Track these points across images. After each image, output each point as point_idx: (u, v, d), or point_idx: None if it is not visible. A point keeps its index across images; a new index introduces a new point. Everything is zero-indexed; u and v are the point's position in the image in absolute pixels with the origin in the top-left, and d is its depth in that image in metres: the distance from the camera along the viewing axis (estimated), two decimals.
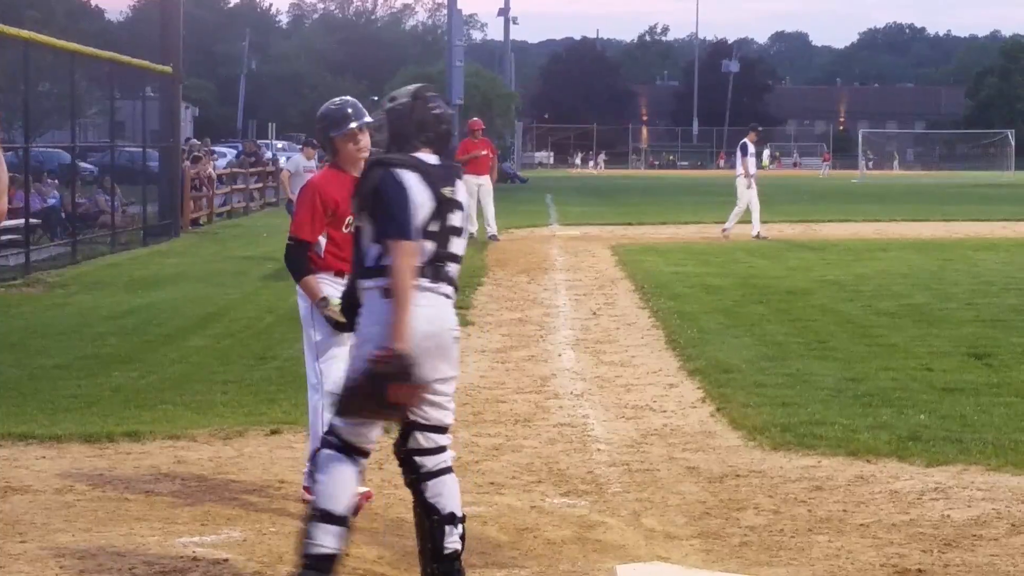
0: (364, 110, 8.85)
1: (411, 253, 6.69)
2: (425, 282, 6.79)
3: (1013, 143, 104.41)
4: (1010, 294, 20.89)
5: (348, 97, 9.06)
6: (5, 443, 10.92)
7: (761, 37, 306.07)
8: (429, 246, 6.83)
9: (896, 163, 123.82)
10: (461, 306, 18.79)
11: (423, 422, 6.88)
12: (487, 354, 15.54)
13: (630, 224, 39.17)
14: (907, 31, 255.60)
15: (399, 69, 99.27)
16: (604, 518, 8.88)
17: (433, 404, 6.88)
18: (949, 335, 16.49)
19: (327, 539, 6.78)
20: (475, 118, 35.43)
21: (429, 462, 6.91)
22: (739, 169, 33.75)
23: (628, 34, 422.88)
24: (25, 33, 26.34)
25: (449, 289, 6.92)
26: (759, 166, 33.82)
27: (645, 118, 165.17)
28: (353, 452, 6.89)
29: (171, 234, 35.02)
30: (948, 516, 8.81)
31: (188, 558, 7.87)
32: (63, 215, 30.88)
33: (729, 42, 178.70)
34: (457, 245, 6.96)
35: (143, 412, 12.11)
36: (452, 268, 6.95)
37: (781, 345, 15.87)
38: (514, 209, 43.28)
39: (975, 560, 7.89)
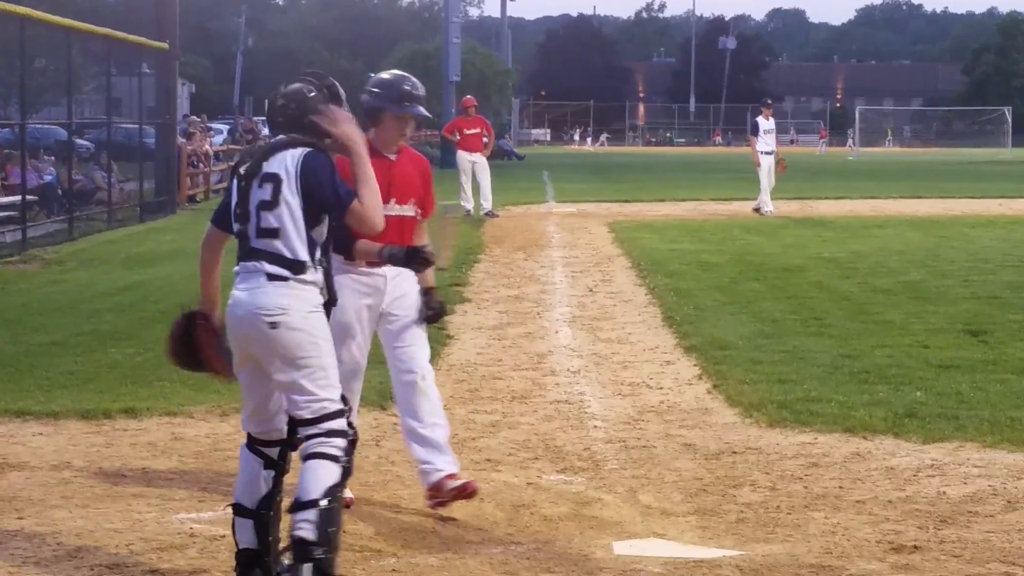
0: None
1: (206, 234, 7.06)
2: (240, 265, 6.84)
3: (1010, 120, 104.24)
4: (1006, 271, 20.90)
5: (413, 78, 8.36)
6: (2, 420, 10.94)
7: (758, 14, 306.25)
8: (236, 227, 6.85)
9: (889, 140, 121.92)
10: (457, 283, 18.91)
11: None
12: (484, 331, 15.55)
13: (627, 201, 39.14)
14: (904, 8, 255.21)
15: (396, 46, 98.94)
16: (601, 495, 8.89)
17: (278, 389, 6.80)
18: (945, 312, 16.50)
19: (240, 533, 6.84)
20: (468, 96, 35.40)
21: (303, 442, 6.77)
22: (758, 146, 33.59)
23: (625, 11, 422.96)
24: (21, 9, 26.28)
25: (267, 265, 6.69)
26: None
27: (642, 95, 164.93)
28: (256, 444, 6.90)
29: (167, 211, 34.98)
30: (944, 493, 8.83)
31: (185, 534, 7.88)
32: (59, 192, 30.82)
33: (726, 19, 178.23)
34: (268, 219, 6.71)
35: (140, 389, 12.12)
36: (264, 243, 6.72)
37: (777, 322, 15.88)
38: (511, 186, 43.24)
39: (971, 537, 7.91)
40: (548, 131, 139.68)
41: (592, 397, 12.04)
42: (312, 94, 6.90)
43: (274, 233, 6.70)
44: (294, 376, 6.66)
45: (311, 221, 6.73)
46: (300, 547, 6.53)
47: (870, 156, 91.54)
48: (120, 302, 18.05)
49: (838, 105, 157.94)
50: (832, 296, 18.22)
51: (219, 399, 11.48)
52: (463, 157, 32.13)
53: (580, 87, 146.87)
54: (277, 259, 6.68)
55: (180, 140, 38.83)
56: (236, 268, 6.84)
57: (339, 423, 6.72)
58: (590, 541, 7.92)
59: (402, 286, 8.28)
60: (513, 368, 13.42)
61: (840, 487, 9.05)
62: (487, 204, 32.42)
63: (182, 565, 7.34)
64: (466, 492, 8.18)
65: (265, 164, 6.79)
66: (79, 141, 34.43)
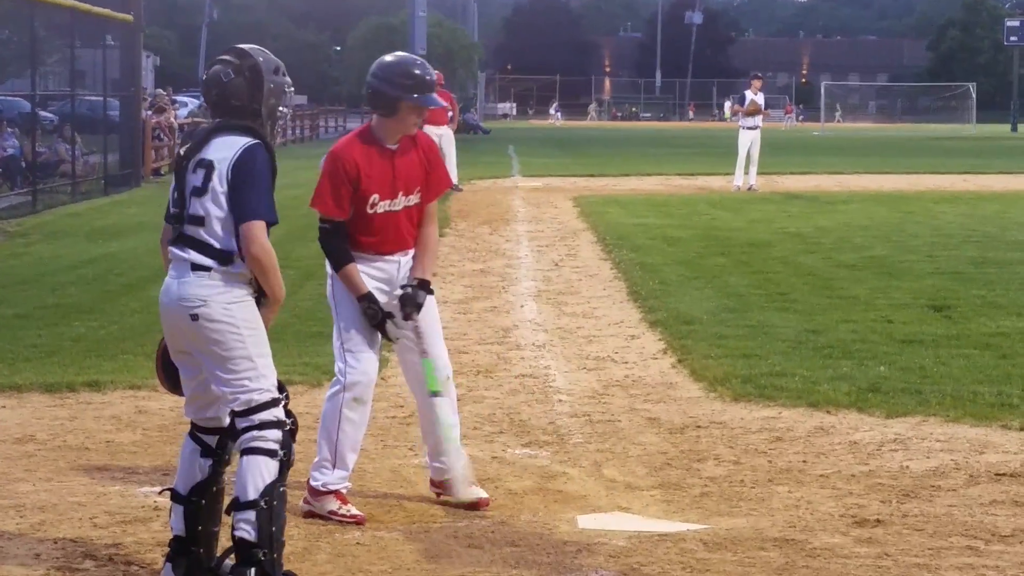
0: None
1: (162, 232, 6.70)
2: (171, 250, 6.59)
3: (974, 96, 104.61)
4: (970, 247, 20.98)
5: (425, 62, 7.99)
6: None
7: None
8: (173, 209, 6.60)
9: (838, 116, 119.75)
10: None
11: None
12: (449, 305, 15.54)
13: (592, 176, 39.14)
14: None
15: (361, 19, 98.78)
16: (565, 468, 8.91)
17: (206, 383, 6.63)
18: (909, 287, 16.56)
19: (173, 520, 6.70)
20: (435, 71, 35.27)
21: (239, 438, 6.57)
22: (740, 121, 33.63)
23: None
24: None
25: (192, 254, 6.45)
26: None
27: (608, 69, 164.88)
28: (197, 430, 6.75)
29: (132, 184, 34.83)
30: (907, 467, 8.87)
31: (149, 508, 7.87)
32: (23, 164, 30.68)
33: None
34: (196, 206, 6.46)
35: (104, 362, 12.08)
36: (192, 230, 6.47)
37: (742, 297, 15.92)
38: (476, 160, 43.23)
39: (933, 510, 7.95)
40: (514, 105, 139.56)
41: (557, 371, 12.05)
42: (230, 79, 6.57)
43: (200, 221, 6.45)
44: (218, 368, 6.46)
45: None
46: (241, 548, 6.40)
47: (835, 131, 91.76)
48: (84, 275, 17.99)
49: (804, 81, 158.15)
50: (797, 271, 18.26)
51: None
52: (429, 131, 31.77)
53: (546, 61, 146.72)
54: (203, 247, 6.44)
55: (147, 113, 38.63)
56: (172, 249, 6.59)
57: (271, 413, 6.48)
58: (555, 515, 7.94)
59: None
60: (478, 342, 13.42)
61: (804, 461, 9.08)
62: (452, 178, 32.35)
63: (146, 538, 7.33)
64: (478, 507, 8.09)
65: (203, 149, 6.54)
66: (43, 113, 34.27)
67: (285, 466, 6.49)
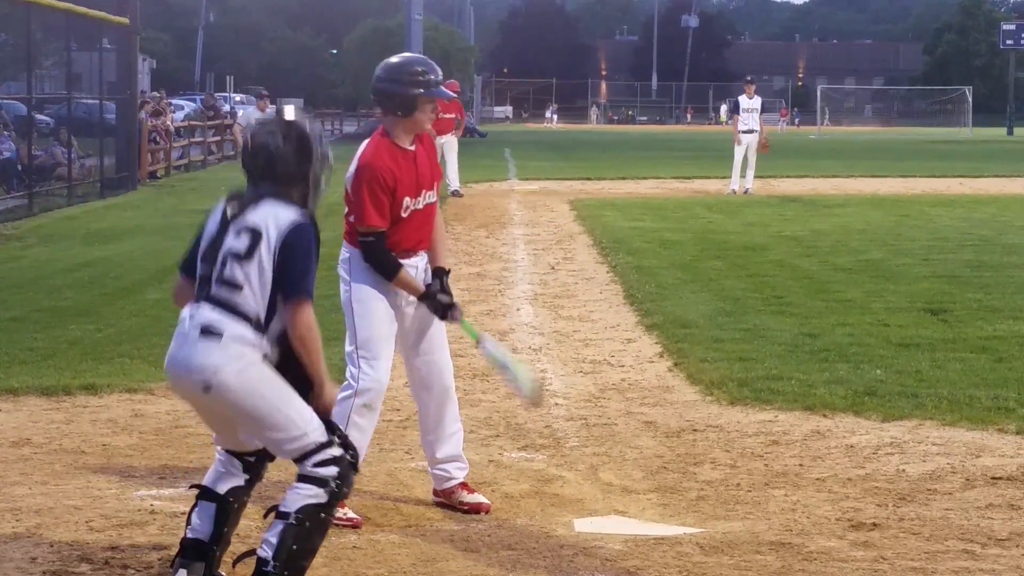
0: None
1: (176, 286, 6.63)
2: (190, 308, 6.39)
3: (970, 100, 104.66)
4: (966, 250, 20.99)
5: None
6: None
7: None
8: (201, 266, 6.44)
9: (826, 119, 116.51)
10: None
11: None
12: None
13: (588, 179, 39.16)
14: None
15: (358, 22, 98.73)
16: (562, 472, 8.90)
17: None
18: (905, 291, 16.56)
19: (196, 520, 6.57)
20: (452, 80, 35.39)
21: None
22: (739, 125, 33.58)
23: None
24: None
25: (214, 316, 6.24)
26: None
27: (604, 73, 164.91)
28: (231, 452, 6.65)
29: (128, 187, 34.83)
30: (903, 470, 8.88)
31: (146, 511, 7.87)
32: (19, 167, 30.67)
33: None
34: (235, 270, 6.29)
35: (100, 365, 12.08)
36: (223, 293, 6.28)
37: (738, 300, 15.92)
38: (473, 163, 43.20)
39: (929, 514, 7.95)
40: (511, 108, 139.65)
41: (553, 375, 12.05)
42: (279, 146, 6.42)
43: (238, 287, 6.27)
44: (251, 430, 6.35)
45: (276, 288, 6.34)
46: (259, 560, 6.30)
47: (831, 135, 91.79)
48: (80, 278, 17.98)
49: (800, 84, 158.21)
50: (793, 274, 18.27)
51: None
52: (437, 140, 31.64)
53: (542, 65, 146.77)
54: (236, 313, 6.25)
55: (142, 116, 38.62)
56: (185, 311, 6.37)
57: (325, 454, 6.32)
58: (551, 518, 7.94)
59: (427, 281, 8.01)
60: (474, 346, 13.36)
61: (800, 465, 9.08)
62: (453, 184, 32.34)
63: (142, 542, 7.32)
64: (479, 511, 8.10)
65: (250, 213, 6.36)
66: (39, 116, 34.23)
67: (335, 496, 6.35)
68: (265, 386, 6.24)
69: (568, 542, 7.47)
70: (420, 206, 7.81)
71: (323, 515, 6.32)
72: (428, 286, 7.86)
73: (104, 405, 10.70)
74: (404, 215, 7.72)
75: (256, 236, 6.30)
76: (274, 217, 6.32)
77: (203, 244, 6.47)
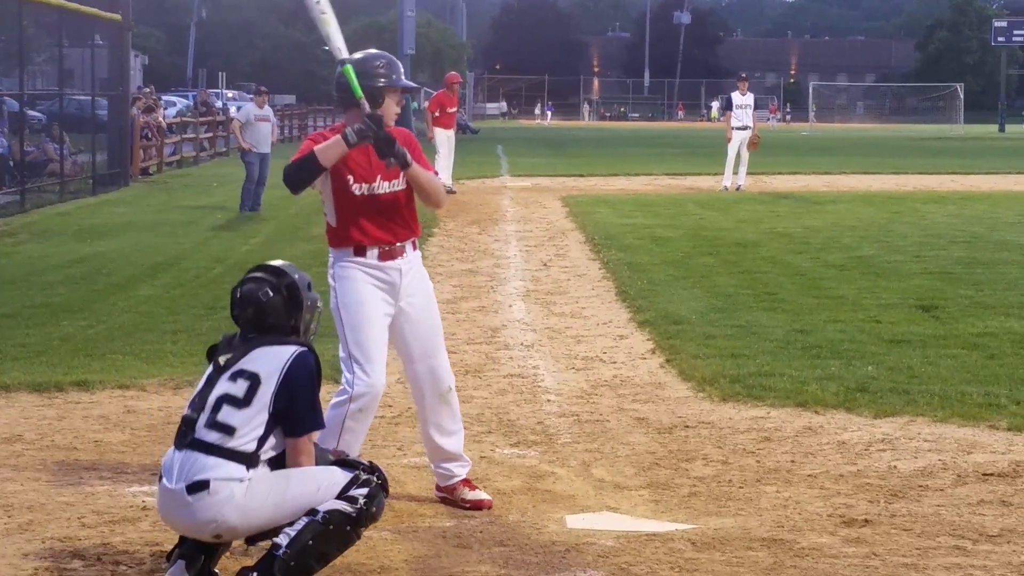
0: None
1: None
2: (173, 455, 6.44)
3: (962, 96, 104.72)
4: (957, 247, 21.00)
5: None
6: None
7: None
8: (187, 411, 6.49)
9: (812, 114, 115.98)
10: None
11: None
12: (438, 305, 15.49)
13: (581, 176, 39.16)
14: None
15: (351, 19, 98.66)
16: (554, 468, 8.91)
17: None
18: (897, 287, 16.58)
19: None
20: (453, 72, 35.37)
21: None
22: (731, 121, 33.51)
23: None
24: None
25: (206, 461, 6.27)
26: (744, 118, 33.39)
27: (596, 69, 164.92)
28: None
29: (120, 183, 34.79)
30: (895, 467, 8.89)
31: (138, 507, 7.87)
32: (11, 163, 30.64)
33: None
34: (230, 415, 6.34)
35: (92, 362, 12.07)
36: (212, 436, 6.32)
37: (730, 297, 15.93)
38: (465, 160, 43.17)
39: (921, 510, 7.96)
40: (504, 104, 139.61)
41: (546, 371, 12.06)
42: (268, 297, 6.55)
43: (230, 431, 6.31)
44: (282, 520, 6.42)
45: (274, 424, 6.41)
46: (273, 543, 6.37)
47: (823, 131, 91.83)
48: (72, 274, 17.97)
49: (792, 81, 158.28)
50: (785, 271, 18.28)
51: (172, 372, 11.47)
52: (442, 134, 31.53)
53: (535, 61, 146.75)
54: (220, 454, 6.28)
55: (134, 112, 38.60)
56: (167, 459, 6.41)
57: (357, 491, 6.50)
58: (543, 515, 7.94)
59: (414, 284, 8.07)
60: (467, 342, 13.42)
61: (792, 461, 9.09)
62: (445, 180, 32.34)
63: (134, 538, 7.32)
64: (481, 508, 8.10)
65: (245, 359, 6.43)
66: (31, 112, 34.22)
67: (363, 514, 6.46)
68: (268, 498, 6.36)
69: (560, 538, 7.48)
70: (380, 192, 7.72)
71: (348, 528, 6.44)
72: (359, 130, 7.51)
73: (96, 401, 10.69)
74: (357, 194, 7.66)
75: (255, 381, 6.39)
76: (273, 357, 6.44)
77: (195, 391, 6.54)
